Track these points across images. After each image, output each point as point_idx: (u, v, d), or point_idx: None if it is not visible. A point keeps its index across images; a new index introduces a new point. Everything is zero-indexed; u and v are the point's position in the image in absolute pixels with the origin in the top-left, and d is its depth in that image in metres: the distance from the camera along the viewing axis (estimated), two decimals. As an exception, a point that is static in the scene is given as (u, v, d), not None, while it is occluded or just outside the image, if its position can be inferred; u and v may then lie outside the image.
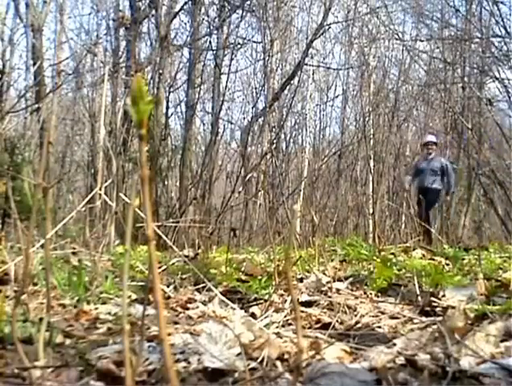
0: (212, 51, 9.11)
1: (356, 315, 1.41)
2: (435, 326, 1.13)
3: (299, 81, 10.53)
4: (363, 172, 10.67)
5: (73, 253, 2.38)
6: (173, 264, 2.30)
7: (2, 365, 0.94)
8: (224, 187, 8.70)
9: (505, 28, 8.08)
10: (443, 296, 1.58)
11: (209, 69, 10.19)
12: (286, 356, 1.01)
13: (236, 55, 10.25)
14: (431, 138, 8.66)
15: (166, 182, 8.07)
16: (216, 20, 9.13)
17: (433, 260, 2.68)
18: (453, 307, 1.41)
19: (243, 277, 1.96)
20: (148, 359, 0.96)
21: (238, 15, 9.43)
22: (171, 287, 1.84)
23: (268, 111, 9.93)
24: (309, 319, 1.38)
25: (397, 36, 10.85)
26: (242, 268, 2.18)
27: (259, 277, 1.82)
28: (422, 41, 10.73)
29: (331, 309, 1.51)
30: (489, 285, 1.69)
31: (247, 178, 8.65)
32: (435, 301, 1.52)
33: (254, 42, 10.68)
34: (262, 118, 9.89)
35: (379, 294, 1.76)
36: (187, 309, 1.52)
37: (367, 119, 10.08)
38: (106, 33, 9.88)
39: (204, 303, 1.58)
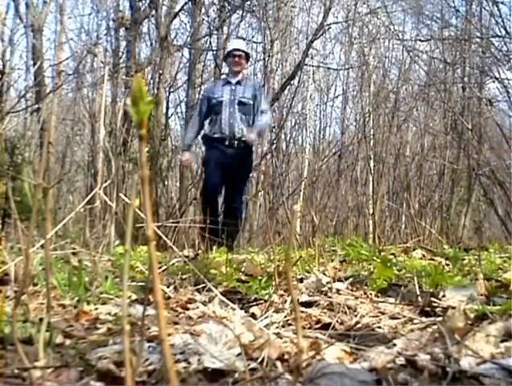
0: (212, 51, 9.12)
1: (356, 315, 1.41)
2: (435, 327, 1.13)
3: (299, 81, 10.52)
4: (363, 172, 10.66)
5: (73, 254, 2.38)
6: (173, 264, 2.30)
7: (2, 365, 0.94)
8: (224, 188, 8.69)
9: (505, 28, 8.07)
10: (444, 296, 1.58)
11: (209, 69, 10.20)
12: (286, 356, 1.01)
13: (236, 56, 10.24)
14: (239, 45, 4.96)
15: (166, 183, 8.08)
16: (216, 20, 9.13)
17: (433, 260, 2.68)
18: (453, 307, 1.41)
19: (243, 278, 1.96)
20: (148, 360, 0.96)
21: (238, 15, 9.44)
22: (171, 287, 1.84)
23: (268, 111, 9.92)
24: (309, 319, 1.38)
25: (397, 36, 10.85)
26: (242, 269, 2.18)
27: (259, 278, 1.82)
28: (422, 41, 10.72)
29: (331, 309, 1.50)
30: (489, 285, 1.68)
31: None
32: (435, 302, 1.52)
33: (254, 42, 10.69)
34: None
35: (379, 295, 1.76)
36: (188, 309, 1.52)
37: (367, 119, 10.07)
38: (106, 33, 9.89)
39: (205, 303, 1.58)
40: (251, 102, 4.73)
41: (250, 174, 5.17)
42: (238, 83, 4.78)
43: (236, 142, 4.66)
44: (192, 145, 4.88)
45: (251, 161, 4.94)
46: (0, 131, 7.04)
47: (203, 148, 5.36)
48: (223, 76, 5.11)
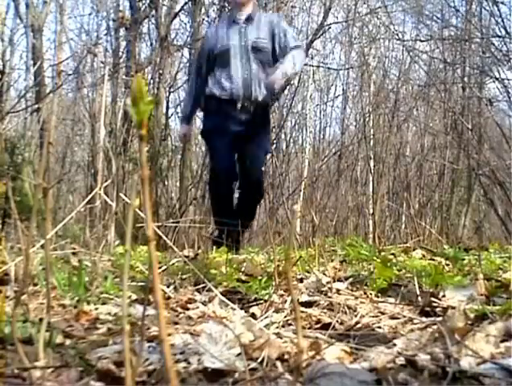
0: (212, 51, 9.12)
1: (356, 315, 1.41)
2: (435, 327, 1.13)
3: (299, 81, 10.53)
4: (363, 172, 10.67)
5: (73, 253, 2.38)
6: (173, 264, 2.29)
7: (2, 365, 0.94)
8: (224, 188, 8.68)
9: (505, 28, 8.07)
10: (444, 296, 1.58)
11: (209, 69, 10.19)
12: (286, 356, 1.01)
13: (236, 56, 10.24)
14: None
15: (166, 183, 8.08)
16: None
17: (433, 260, 2.68)
18: (453, 307, 1.41)
19: (243, 278, 1.96)
20: (148, 360, 0.96)
21: (238, 15, 9.44)
22: (171, 287, 1.84)
23: (268, 111, 9.92)
24: (309, 319, 1.38)
25: (397, 36, 10.86)
26: (242, 269, 2.18)
27: (259, 278, 1.82)
28: (422, 41, 10.72)
29: (331, 309, 1.50)
30: (489, 285, 1.69)
31: (247, 178, 8.64)
32: (435, 302, 1.52)
33: (254, 42, 10.70)
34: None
35: (379, 294, 1.76)
36: (188, 309, 1.52)
37: (367, 119, 10.08)
38: (106, 33, 9.87)
39: (205, 303, 1.58)
40: (270, 46, 3.43)
41: (269, 146, 3.77)
42: (249, 20, 3.45)
43: (252, 105, 3.43)
44: (193, 116, 3.73)
45: (269, 128, 3.66)
46: (0, 131, 7.04)
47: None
48: (227, 15, 3.67)
